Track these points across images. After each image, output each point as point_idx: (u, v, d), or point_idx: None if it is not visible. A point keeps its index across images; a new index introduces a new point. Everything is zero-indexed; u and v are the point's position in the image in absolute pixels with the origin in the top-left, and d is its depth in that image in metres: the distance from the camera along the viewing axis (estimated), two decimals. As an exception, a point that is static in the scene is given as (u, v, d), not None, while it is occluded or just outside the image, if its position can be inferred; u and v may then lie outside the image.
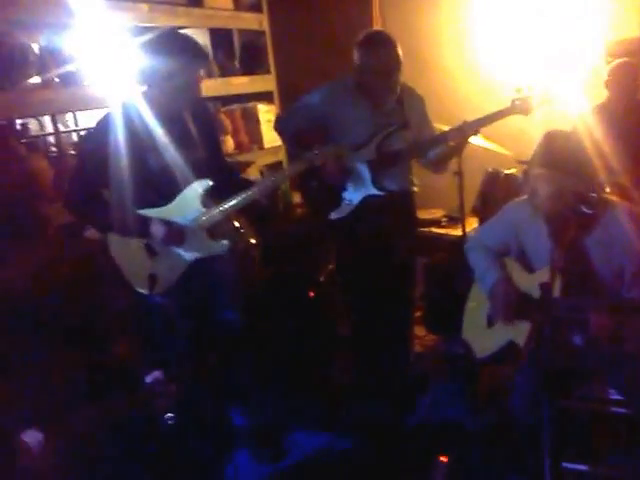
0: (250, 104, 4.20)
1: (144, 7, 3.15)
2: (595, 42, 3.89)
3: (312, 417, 2.77)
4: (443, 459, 2.26)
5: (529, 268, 2.04)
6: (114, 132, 2.11)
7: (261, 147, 4.23)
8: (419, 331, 3.38)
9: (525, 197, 2.02)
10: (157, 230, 2.14)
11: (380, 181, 2.62)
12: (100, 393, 2.28)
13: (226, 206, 2.24)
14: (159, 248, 2.22)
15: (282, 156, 4.38)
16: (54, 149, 3.17)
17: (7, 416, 2.02)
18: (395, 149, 2.62)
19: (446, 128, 2.65)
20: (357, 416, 2.70)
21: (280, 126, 2.80)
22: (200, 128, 2.28)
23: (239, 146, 4.06)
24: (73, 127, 3.51)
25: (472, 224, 3.92)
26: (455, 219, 4.26)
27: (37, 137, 3.15)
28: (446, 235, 4.11)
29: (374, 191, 2.62)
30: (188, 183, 2.20)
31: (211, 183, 2.21)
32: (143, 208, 2.17)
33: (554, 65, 3.78)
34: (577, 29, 3.85)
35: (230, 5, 3.85)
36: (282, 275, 3.32)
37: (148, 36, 2.19)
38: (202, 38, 4.19)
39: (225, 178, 2.38)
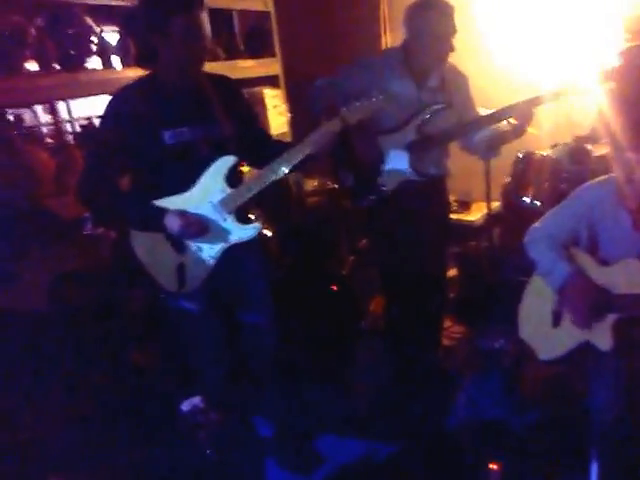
0: (256, 89, 3.97)
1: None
2: (613, 18, 3.72)
3: (341, 420, 2.59)
4: (494, 466, 2.10)
5: (601, 260, 1.85)
6: (124, 115, 1.93)
7: (267, 134, 4.01)
8: (445, 322, 3.21)
9: (605, 178, 1.83)
10: (172, 223, 1.91)
11: (419, 165, 2.43)
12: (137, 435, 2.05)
13: (259, 180, 1.99)
14: (184, 241, 2.01)
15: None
16: (51, 140, 2.95)
17: (35, 461, 1.80)
18: (438, 130, 2.42)
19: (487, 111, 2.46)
20: (392, 419, 2.53)
21: (310, 100, 2.51)
22: (225, 103, 2.06)
23: (245, 134, 3.85)
24: (67, 116, 3.27)
25: (481, 209, 3.78)
26: (465, 203, 4.11)
27: (34, 127, 2.91)
28: (460, 221, 3.96)
29: (412, 176, 2.43)
30: (210, 162, 1.98)
31: (235, 159, 1.99)
32: (162, 197, 1.96)
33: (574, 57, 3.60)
34: (594, 6, 3.67)
35: (234, -17, 3.62)
36: (302, 269, 3.14)
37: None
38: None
39: (261, 149, 2.16)
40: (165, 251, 2.01)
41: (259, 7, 3.86)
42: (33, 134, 2.83)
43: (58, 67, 2.51)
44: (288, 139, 4.12)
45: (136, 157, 1.97)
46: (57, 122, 2.75)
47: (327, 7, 4.28)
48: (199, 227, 1.95)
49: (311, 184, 3.98)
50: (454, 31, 2.35)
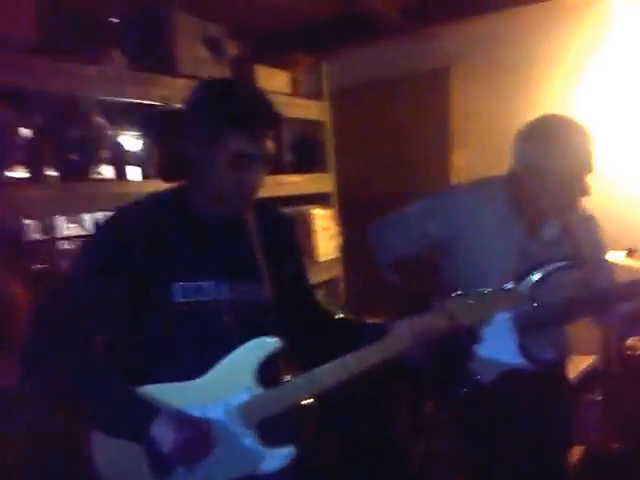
0: (303, 208, 3.38)
1: (178, 82, 2.40)
2: None
3: None
4: None
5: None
6: (118, 247, 1.31)
7: (315, 261, 3.36)
8: None
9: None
10: (162, 434, 1.18)
11: (530, 349, 1.68)
12: None
13: (307, 386, 1.32)
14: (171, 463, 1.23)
15: (339, 271, 3.52)
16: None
17: None
18: (557, 298, 1.70)
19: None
20: None
21: (377, 241, 1.93)
22: (272, 253, 1.45)
23: (288, 260, 3.20)
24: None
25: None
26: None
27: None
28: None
29: (520, 364, 1.68)
30: (238, 340, 1.31)
31: (279, 343, 1.32)
32: (154, 381, 1.27)
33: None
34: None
35: (287, 89, 3.12)
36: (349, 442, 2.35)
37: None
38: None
39: (311, 327, 1.52)
40: (137, 473, 1.24)
41: (313, 116, 3.35)
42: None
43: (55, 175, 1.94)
44: (339, 269, 3.47)
45: (128, 313, 1.31)
46: (49, 242, 2.12)
47: (389, 119, 3.77)
48: (203, 447, 1.22)
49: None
50: (591, 168, 1.68)
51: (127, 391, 1.25)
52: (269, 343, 1.32)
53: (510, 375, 1.71)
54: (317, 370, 1.31)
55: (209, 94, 1.36)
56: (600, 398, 2.91)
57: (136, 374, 1.27)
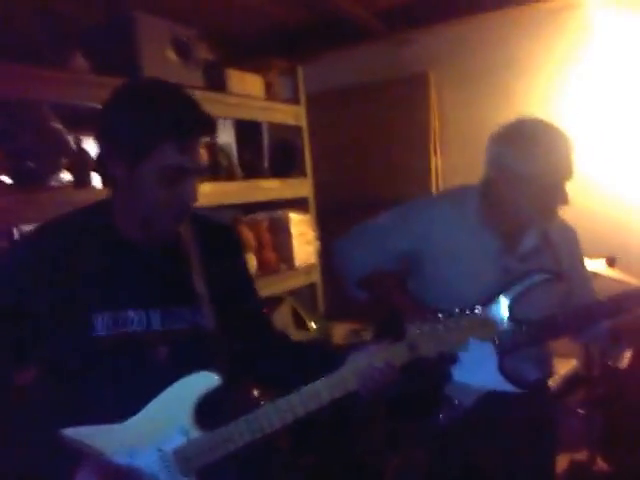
0: (279, 213, 3.34)
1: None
2: None
3: None
4: None
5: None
6: (32, 271, 1.19)
7: (291, 266, 3.32)
8: None
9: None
10: None
11: (512, 368, 1.63)
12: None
13: (253, 425, 1.19)
14: None
15: (316, 277, 3.47)
16: None
17: None
18: (537, 313, 1.64)
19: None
20: None
21: (342, 258, 1.86)
22: (213, 273, 1.30)
23: (263, 266, 3.15)
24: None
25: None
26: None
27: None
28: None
29: (501, 385, 1.62)
30: (174, 376, 1.18)
31: (219, 381, 1.19)
32: (79, 422, 1.15)
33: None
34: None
35: (261, 93, 3.08)
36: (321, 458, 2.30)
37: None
38: (225, 131, 3.44)
39: (262, 354, 1.40)
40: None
41: (290, 120, 3.31)
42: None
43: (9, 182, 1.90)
44: (316, 275, 3.43)
45: (47, 347, 1.20)
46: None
47: (367, 124, 3.73)
48: None
49: (341, 332, 3.21)
50: (570, 175, 1.59)
51: (46, 436, 1.13)
52: (208, 378, 1.18)
53: (491, 396, 1.65)
54: (259, 411, 1.19)
55: (135, 100, 1.18)
56: (581, 411, 2.88)
57: (66, 413, 1.17)
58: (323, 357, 1.33)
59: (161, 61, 2.41)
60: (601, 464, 2.79)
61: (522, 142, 1.59)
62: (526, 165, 1.57)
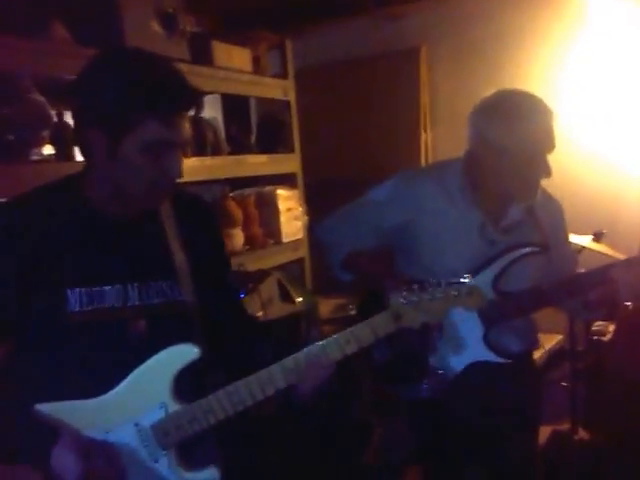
0: (267, 188, 3.33)
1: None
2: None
3: None
4: None
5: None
6: (7, 244, 1.17)
7: (278, 241, 3.32)
8: None
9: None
10: (63, 461, 1.05)
11: (496, 339, 1.65)
12: None
13: (231, 399, 1.19)
14: None
15: (304, 252, 3.48)
16: None
17: None
18: (522, 286, 1.65)
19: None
20: None
21: (326, 239, 1.86)
22: (190, 247, 1.29)
23: (250, 241, 3.16)
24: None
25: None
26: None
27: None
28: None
29: (486, 355, 1.64)
30: (152, 351, 1.17)
31: (198, 353, 1.18)
32: (56, 398, 1.13)
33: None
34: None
35: (249, 67, 3.04)
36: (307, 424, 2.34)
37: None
38: (212, 105, 3.40)
39: (233, 337, 1.40)
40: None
41: (278, 95, 3.28)
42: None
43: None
44: (304, 250, 3.43)
45: (23, 323, 1.18)
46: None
47: (357, 99, 3.70)
48: (110, 475, 1.09)
49: (328, 307, 3.23)
50: (552, 146, 1.59)
51: (22, 412, 1.10)
52: (187, 350, 1.16)
53: (476, 367, 1.67)
54: (240, 382, 1.18)
55: (119, 70, 1.13)
56: (565, 384, 2.93)
57: (42, 389, 1.15)
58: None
59: (145, 33, 2.36)
60: (582, 433, 2.85)
61: (502, 114, 1.59)
62: (506, 137, 1.57)
